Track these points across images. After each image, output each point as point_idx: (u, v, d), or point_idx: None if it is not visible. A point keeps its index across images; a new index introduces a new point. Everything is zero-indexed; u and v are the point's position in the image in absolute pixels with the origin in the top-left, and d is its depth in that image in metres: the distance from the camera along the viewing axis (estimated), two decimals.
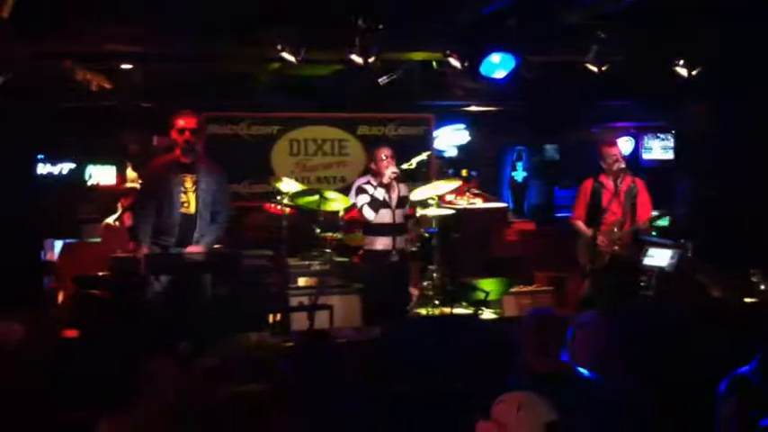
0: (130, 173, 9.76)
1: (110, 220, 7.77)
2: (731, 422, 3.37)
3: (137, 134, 9.97)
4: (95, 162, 10.13)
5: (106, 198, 9.46)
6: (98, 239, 8.20)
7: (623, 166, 6.79)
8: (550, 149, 12.35)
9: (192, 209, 5.87)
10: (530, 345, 3.53)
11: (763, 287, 7.12)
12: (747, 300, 6.75)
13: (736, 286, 7.17)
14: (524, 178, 12.22)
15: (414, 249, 7.56)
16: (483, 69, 6.74)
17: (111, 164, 10.09)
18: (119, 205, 7.76)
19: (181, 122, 5.82)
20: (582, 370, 3.47)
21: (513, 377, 3.49)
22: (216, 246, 6.17)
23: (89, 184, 10.08)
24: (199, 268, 5.82)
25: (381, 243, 6.70)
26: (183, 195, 5.85)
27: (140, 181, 7.53)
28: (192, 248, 5.84)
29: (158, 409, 3.33)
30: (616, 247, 6.77)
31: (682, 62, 7.29)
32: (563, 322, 3.69)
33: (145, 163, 9.65)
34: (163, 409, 3.33)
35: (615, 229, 6.77)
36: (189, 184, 5.87)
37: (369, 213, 6.62)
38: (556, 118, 10.98)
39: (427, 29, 7.00)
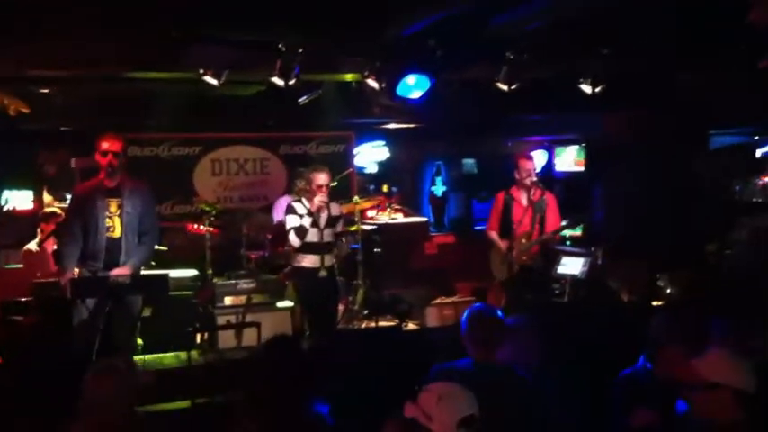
0: (47, 196, 9.65)
1: (31, 245, 7.68)
2: (621, 418, 3.66)
3: (54, 156, 9.85)
4: (11, 186, 9.96)
5: (23, 223, 9.32)
6: (17, 265, 8.10)
7: (535, 179, 7.12)
8: (468, 164, 12.65)
9: (118, 233, 5.92)
10: (469, 336, 3.87)
11: (669, 290, 7.57)
12: (654, 303, 7.16)
13: (644, 290, 7.59)
14: (444, 192, 12.49)
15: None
16: (399, 90, 6.94)
17: (28, 188, 9.93)
18: (39, 230, 7.67)
19: (104, 145, 5.86)
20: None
21: (437, 366, 3.76)
22: (143, 266, 6.22)
23: (5, 209, 9.89)
24: (125, 290, 5.84)
25: (309, 260, 6.81)
26: (108, 220, 5.90)
27: (65, 206, 7.47)
28: (118, 270, 5.87)
29: (103, 421, 3.42)
30: (524, 258, 7.09)
31: (586, 80, 7.68)
32: (499, 318, 3.99)
33: (62, 185, 9.61)
34: (106, 422, 3.41)
35: (524, 240, 7.09)
36: (114, 208, 5.92)
37: (294, 240, 6.72)
38: (472, 133, 11.29)
39: (346, 51, 7.18)
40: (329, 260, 6.89)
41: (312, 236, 6.75)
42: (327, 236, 6.86)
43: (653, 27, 6.68)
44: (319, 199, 6.67)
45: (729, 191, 9.92)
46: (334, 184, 7.91)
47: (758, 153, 10.23)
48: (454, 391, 2.91)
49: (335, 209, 6.99)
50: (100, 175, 5.94)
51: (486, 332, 3.87)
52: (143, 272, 6.28)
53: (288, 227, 6.74)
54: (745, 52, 6.51)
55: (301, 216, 6.72)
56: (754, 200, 10.13)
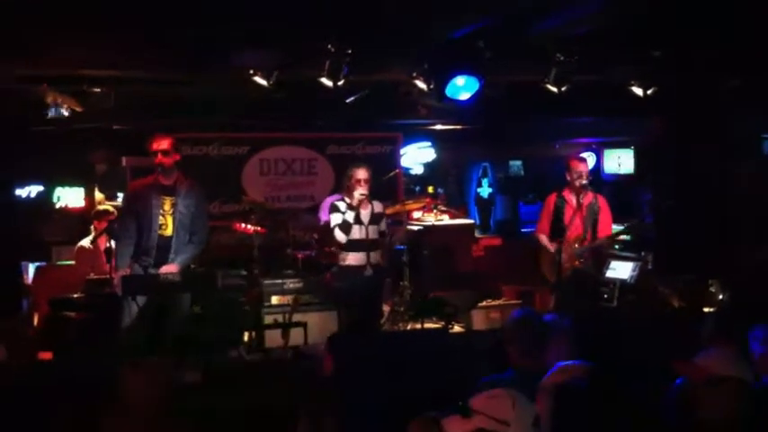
0: (98, 194, 9.82)
1: (84, 242, 7.82)
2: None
3: (105, 155, 10.02)
4: (63, 184, 10.16)
5: (74, 220, 9.50)
6: (69, 262, 8.25)
7: (585, 182, 7.02)
8: (515, 165, 12.58)
9: (170, 231, 5.99)
10: (514, 344, 3.79)
11: (720, 297, 7.41)
12: (706, 309, 7.01)
13: (695, 296, 7.45)
14: (490, 194, 12.43)
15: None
16: (448, 92, 6.92)
17: (79, 186, 10.12)
18: (92, 227, 7.81)
19: (153, 145, 5.96)
20: None
21: (489, 376, 3.71)
22: (191, 265, 6.28)
23: (57, 206, 10.09)
24: (174, 288, 5.91)
25: (355, 258, 6.82)
26: (161, 218, 5.97)
27: (117, 204, 7.59)
28: (166, 268, 5.94)
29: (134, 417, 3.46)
30: (577, 262, 6.98)
31: (637, 82, 7.58)
32: (544, 323, 3.92)
33: (112, 184, 9.77)
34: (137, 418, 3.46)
35: (576, 245, 6.99)
36: (167, 206, 5.99)
37: (340, 236, 6.75)
38: (519, 134, 11.22)
39: (395, 52, 7.19)
40: (375, 258, 6.88)
41: (356, 233, 6.76)
42: (372, 233, 6.85)
43: (702, 31, 6.58)
44: (359, 192, 6.67)
45: None
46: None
47: None
48: (518, 395, 2.92)
49: (378, 206, 6.98)
50: (156, 172, 6.02)
51: (531, 339, 3.79)
52: (192, 270, 6.35)
53: (332, 224, 6.77)
54: None
55: (344, 212, 6.74)
56: None
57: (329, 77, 6.81)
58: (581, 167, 7.02)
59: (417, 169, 12.00)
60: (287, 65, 6.78)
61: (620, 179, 11.71)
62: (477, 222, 11.49)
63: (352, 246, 6.80)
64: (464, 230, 9.26)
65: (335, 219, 6.78)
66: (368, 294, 6.86)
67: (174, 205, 5.99)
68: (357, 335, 5.87)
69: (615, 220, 7.59)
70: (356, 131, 9.67)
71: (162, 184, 6.01)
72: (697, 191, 8.70)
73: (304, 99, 8.56)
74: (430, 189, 10.71)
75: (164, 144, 5.98)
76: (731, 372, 3.16)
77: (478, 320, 7.80)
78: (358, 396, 3.83)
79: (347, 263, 6.85)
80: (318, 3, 6.08)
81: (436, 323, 7.91)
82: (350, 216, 6.72)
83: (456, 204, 11.02)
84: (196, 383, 5.47)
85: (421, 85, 7.39)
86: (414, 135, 11.19)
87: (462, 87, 6.96)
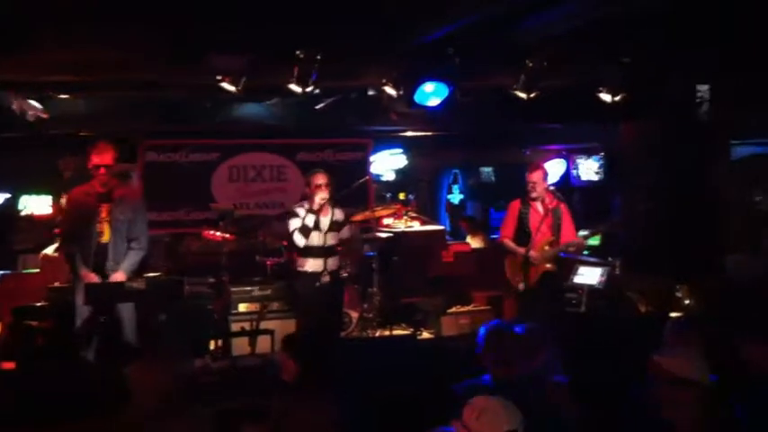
0: (65, 202, 9.69)
1: (48, 250, 7.72)
2: None
3: (73, 162, 9.90)
4: (31, 192, 10.03)
5: (42, 228, 9.38)
6: (35, 270, 8.14)
7: (536, 193, 7.00)
8: (486, 172, 12.63)
9: (106, 238, 6.02)
10: (488, 354, 3.82)
11: (687, 302, 7.47)
12: (673, 314, 7.05)
13: (662, 301, 7.50)
14: (461, 200, 12.46)
15: (349, 273, 7.68)
16: (417, 98, 6.92)
17: (47, 193, 9.99)
18: (57, 235, 7.71)
19: (96, 159, 5.96)
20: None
21: (459, 386, 3.73)
22: (135, 270, 6.23)
23: (23, 214, 9.96)
24: (140, 296, 5.86)
25: (312, 265, 6.79)
26: (98, 225, 5.98)
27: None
28: (115, 276, 5.95)
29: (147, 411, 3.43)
30: (548, 265, 6.98)
31: (605, 88, 7.63)
32: (518, 333, 3.95)
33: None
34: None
35: (547, 247, 6.99)
36: (104, 213, 6.02)
37: (299, 240, 6.73)
38: (490, 141, 11.25)
39: (364, 58, 7.17)
40: (333, 264, 6.87)
41: (314, 239, 6.75)
42: (330, 239, 6.85)
43: (673, 36, 6.64)
44: (320, 197, 6.66)
45: (751, 201, 9.82)
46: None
47: None
48: (494, 406, 2.89)
49: (339, 214, 6.97)
50: (92, 180, 6.04)
51: (505, 351, 3.83)
52: (158, 278, 6.32)
53: (291, 229, 6.76)
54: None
55: (303, 217, 6.73)
56: None
57: (298, 84, 6.79)
58: (531, 177, 7.01)
59: (389, 176, 12.02)
60: (255, 71, 6.74)
61: (590, 185, 11.78)
62: (448, 229, 11.50)
63: (310, 252, 6.78)
64: (434, 236, 9.24)
65: (294, 223, 6.76)
66: (326, 301, 6.83)
67: (110, 212, 6.01)
68: (320, 340, 5.83)
69: (585, 226, 7.61)
70: (326, 138, 9.64)
71: (99, 192, 6.03)
72: (668, 196, 8.76)
73: (274, 105, 8.57)
74: (401, 195, 10.71)
75: (107, 159, 5.99)
76: (690, 374, 3.18)
77: (448, 326, 7.80)
78: (325, 401, 3.81)
79: (305, 269, 6.83)
80: (287, 8, 6.06)
81: (405, 329, 7.91)
82: (309, 220, 6.71)
83: (427, 211, 11.03)
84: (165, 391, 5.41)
85: (390, 91, 7.38)
86: (385, 142, 11.19)
87: (431, 94, 6.96)
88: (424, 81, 6.91)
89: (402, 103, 7.55)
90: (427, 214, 10.68)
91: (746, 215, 9.51)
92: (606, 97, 7.60)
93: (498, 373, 3.81)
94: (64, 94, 7.80)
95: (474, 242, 10.19)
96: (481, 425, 2.83)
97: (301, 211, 6.79)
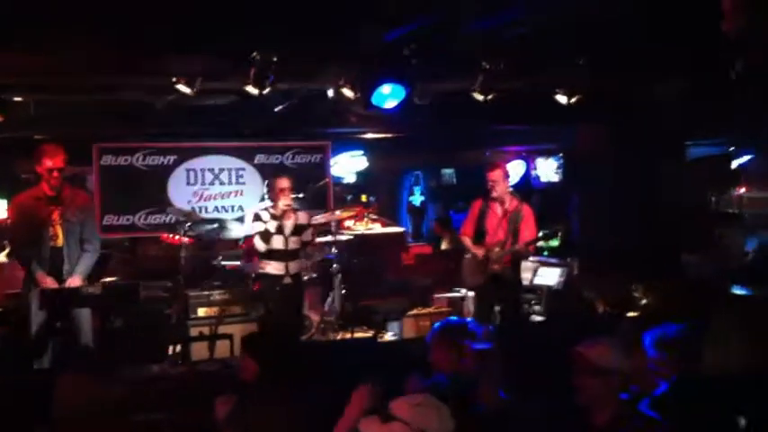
0: (10, 207, 9.50)
1: (0, 256, 7.58)
2: None
3: (29, 165, 9.73)
4: None
5: None
6: None
7: (497, 193, 7.05)
8: (447, 173, 12.65)
9: (60, 241, 5.95)
10: (438, 350, 3.89)
11: (644, 302, 7.56)
12: (629, 314, 7.14)
13: (619, 301, 7.58)
14: (422, 202, 12.47)
15: (313, 276, 7.68)
16: (374, 100, 6.90)
17: (3, 197, 9.79)
18: (5, 242, 7.57)
19: (48, 163, 5.90)
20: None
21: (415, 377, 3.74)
22: (89, 273, 6.21)
23: None
24: (95, 301, 5.80)
25: (274, 267, 6.92)
26: (51, 229, 5.88)
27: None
28: (71, 280, 5.87)
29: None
30: (496, 267, 7.04)
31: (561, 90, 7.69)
32: (469, 330, 3.97)
33: None
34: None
35: (496, 249, 7.04)
36: (56, 216, 5.92)
37: (259, 245, 6.85)
38: (451, 142, 11.28)
39: (321, 60, 7.14)
40: (294, 267, 6.99)
41: (277, 242, 6.86)
42: (293, 243, 6.95)
43: (628, 37, 6.71)
44: (283, 203, 6.73)
45: (706, 202, 9.98)
46: (301, 195, 7.76)
47: (734, 164, 10.30)
48: (443, 406, 2.92)
49: (303, 217, 7.07)
50: (42, 184, 5.93)
51: (455, 347, 3.85)
52: (114, 282, 6.26)
53: (253, 232, 6.88)
54: (721, 63, 6.54)
55: (266, 222, 6.81)
56: (730, 211, 10.20)
57: (255, 86, 6.73)
58: (491, 176, 7.09)
59: (350, 178, 11.98)
60: (211, 73, 6.68)
61: (549, 186, 11.87)
62: (410, 230, 11.51)
63: (272, 255, 6.90)
64: (395, 239, 9.26)
65: (257, 227, 6.87)
66: (286, 303, 6.93)
67: (62, 215, 5.93)
68: (280, 339, 5.82)
69: (545, 227, 7.66)
70: (285, 140, 9.58)
71: (48, 195, 5.95)
72: (624, 196, 8.86)
73: (232, 107, 8.49)
74: (363, 198, 10.69)
75: (59, 162, 5.95)
76: (608, 363, 3.31)
77: (409, 328, 7.80)
78: (286, 400, 3.79)
79: (266, 271, 6.96)
80: (243, 9, 6.01)
81: (366, 332, 7.89)
82: (271, 226, 6.80)
83: (388, 213, 11.02)
84: (120, 398, 5.33)
85: (348, 93, 7.36)
86: (346, 144, 11.16)
87: (388, 95, 6.94)
88: (381, 83, 6.89)
89: (360, 104, 7.53)
90: (388, 216, 10.68)
91: (702, 215, 9.68)
92: (562, 99, 7.66)
93: (448, 369, 3.82)
94: (17, 96, 7.66)
95: (445, 243, 10.23)
96: (413, 415, 2.85)
97: (265, 215, 6.86)
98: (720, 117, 8.28)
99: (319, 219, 7.86)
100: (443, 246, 10.00)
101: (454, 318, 4.30)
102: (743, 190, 10.05)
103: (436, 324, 4.25)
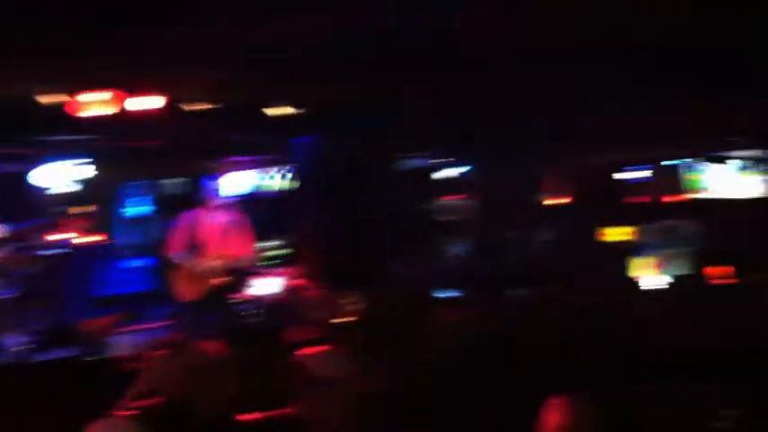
0: None
1: None
2: None
3: None
4: None
5: None
6: None
7: (213, 204, 7.01)
8: (173, 184, 12.33)
9: None
10: None
11: (353, 308, 7.83)
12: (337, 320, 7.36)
13: (330, 309, 7.82)
14: (145, 213, 12.04)
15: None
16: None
17: None
18: None
19: None
20: None
21: None
22: None
23: None
24: None
25: None
26: None
27: None
28: None
29: None
30: (218, 278, 6.98)
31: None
32: None
33: None
34: None
35: (212, 262, 6.98)
36: None
37: None
38: (179, 152, 11.01)
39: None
40: None
41: None
42: None
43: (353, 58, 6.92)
44: None
45: (420, 210, 10.62)
46: None
47: (435, 176, 11.12)
48: None
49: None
50: None
51: None
52: None
53: None
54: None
55: None
56: (446, 218, 10.97)
57: None
58: (210, 186, 7.08)
59: (68, 188, 11.25)
60: None
61: (277, 196, 11.97)
62: (132, 242, 11.06)
63: None
64: (108, 252, 8.87)
65: None
66: None
67: None
68: None
69: (268, 238, 7.71)
70: None
71: None
72: (341, 207, 9.17)
73: None
74: (77, 209, 10.12)
75: None
76: (326, 371, 3.41)
77: (117, 347, 7.50)
78: None
79: None
80: None
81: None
82: None
83: (104, 224, 10.53)
84: None
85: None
86: (65, 152, 10.46)
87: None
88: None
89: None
90: (107, 227, 10.20)
91: (420, 224, 10.28)
92: (271, 111, 7.78)
93: None
94: None
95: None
96: None
97: None
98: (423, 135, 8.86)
99: (18, 233, 7.33)
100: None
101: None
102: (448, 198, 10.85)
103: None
